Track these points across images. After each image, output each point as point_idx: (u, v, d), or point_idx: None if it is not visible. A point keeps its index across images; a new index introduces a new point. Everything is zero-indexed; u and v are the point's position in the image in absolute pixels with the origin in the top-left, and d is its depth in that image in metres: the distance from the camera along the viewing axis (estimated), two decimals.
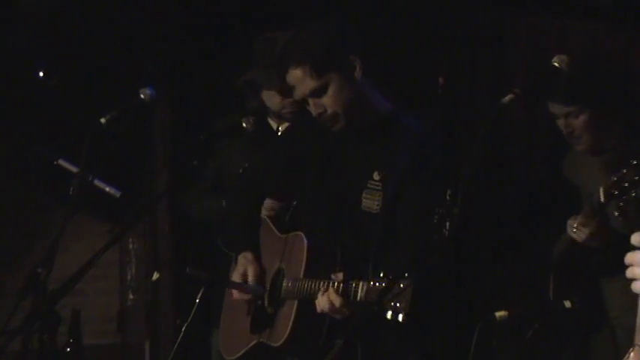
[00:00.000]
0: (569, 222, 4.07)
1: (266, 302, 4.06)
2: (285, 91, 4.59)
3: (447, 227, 3.23)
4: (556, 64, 3.50)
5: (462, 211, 3.21)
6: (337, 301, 3.68)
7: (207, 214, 4.94)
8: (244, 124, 4.44)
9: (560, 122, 4.20)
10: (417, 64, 5.82)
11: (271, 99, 4.79)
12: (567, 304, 3.86)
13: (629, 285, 3.90)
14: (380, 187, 3.85)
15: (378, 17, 5.88)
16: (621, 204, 3.84)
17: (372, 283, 3.57)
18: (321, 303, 3.72)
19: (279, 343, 3.89)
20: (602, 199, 3.89)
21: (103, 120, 4.29)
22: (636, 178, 3.77)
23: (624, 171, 3.82)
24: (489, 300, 4.91)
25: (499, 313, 3.75)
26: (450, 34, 5.96)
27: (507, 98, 3.39)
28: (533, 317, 3.97)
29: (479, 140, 3.29)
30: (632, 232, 3.82)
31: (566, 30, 5.80)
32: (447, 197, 3.36)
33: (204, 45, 6.29)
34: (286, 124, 4.77)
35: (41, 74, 4.67)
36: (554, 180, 4.98)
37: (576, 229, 4.01)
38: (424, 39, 5.90)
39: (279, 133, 4.82)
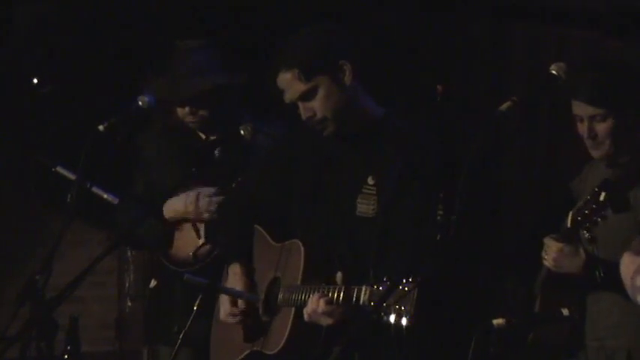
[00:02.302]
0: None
1: (260, 311, 4.04)
2: (180, 102, 4.53)
3: (444, 233, 3.23)
4: (554, 71, 3.49)
5: (458, 218, 3.21)
6: (321, 305, 3.69)
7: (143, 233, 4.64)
8: (242, 132, 4.44)
9: (583, 126, 3.99)
10: (415, 73, 5.83)
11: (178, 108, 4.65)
12: (565, 311, 3.85)
13: (614, 306, 3.91)
14: (374, 192, 3.86)
15: (376, 26, 5.89)
16: (586, 233, 3.85)
17: (374, 286, 3.57)
18: (308, 309, 3.74)
19: (275, 351, 3.88)
20: (569, 225, 3.88)
21: (101, 127, 4.30)
22: (594, 206, 3.78)
23: (588, 197, 3.81)
24: (487, 307, 4.91)
25: (497, 321, 3.74)
26: (448, 42, 5.97)
27: (505, 106, 3.38)
28: (531, 325, 3.97)
29: (476, 148, 3.29)
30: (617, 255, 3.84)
31: (564, 38, 5.81)
32: (443, 204, 3.36)
33: None
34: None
35: (35, 81, 4.66)
36: (552, 187, 4.97)
37: (545, 254, 3.94)
38: (422, 47, 5.91)
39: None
